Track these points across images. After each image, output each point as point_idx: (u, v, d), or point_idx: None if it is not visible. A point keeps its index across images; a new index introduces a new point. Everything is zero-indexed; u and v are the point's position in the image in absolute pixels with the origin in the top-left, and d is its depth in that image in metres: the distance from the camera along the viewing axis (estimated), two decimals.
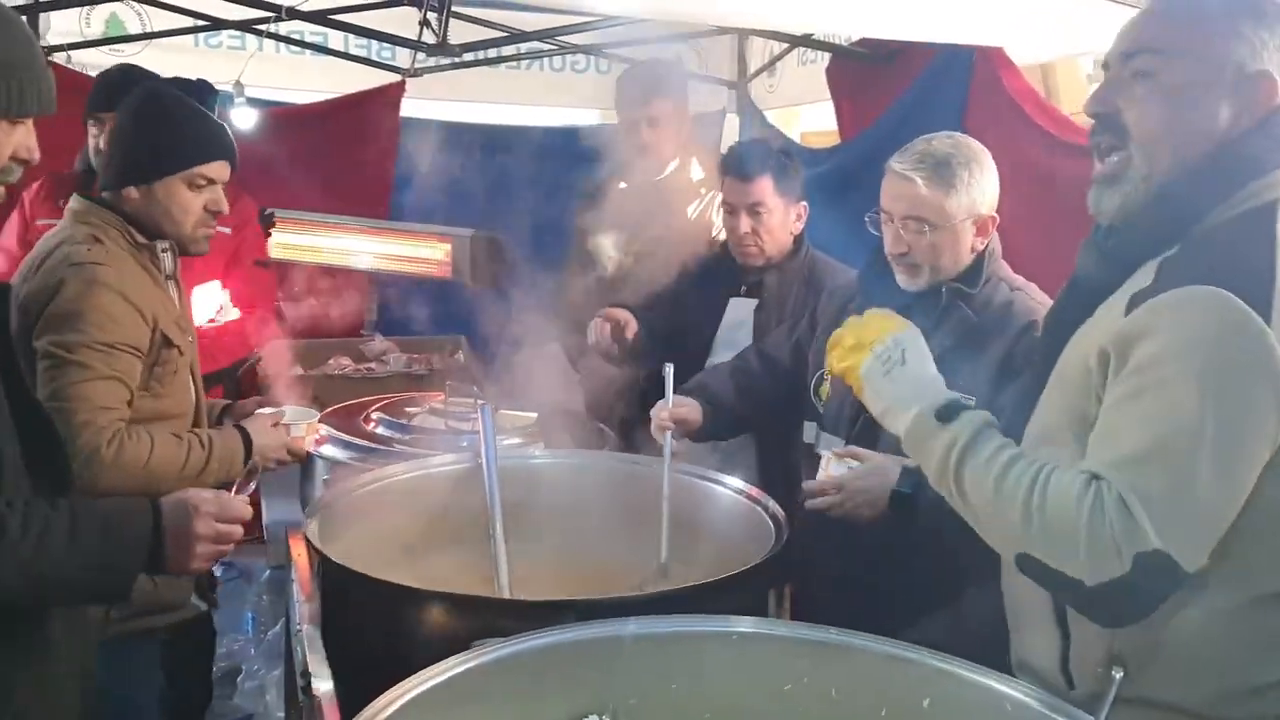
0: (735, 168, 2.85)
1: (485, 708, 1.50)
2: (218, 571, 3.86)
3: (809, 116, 5.60)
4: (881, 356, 1.64)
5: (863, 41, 4.39)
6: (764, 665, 1.63)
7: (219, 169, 2.38)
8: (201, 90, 3.57)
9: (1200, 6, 1.53)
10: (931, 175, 2.14)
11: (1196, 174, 1.51)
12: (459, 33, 4.30)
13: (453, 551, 2.21)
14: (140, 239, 2.33)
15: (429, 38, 4.04)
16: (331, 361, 3.92)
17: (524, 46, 5.02)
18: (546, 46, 5.02)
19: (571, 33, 4.48)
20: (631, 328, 2.87)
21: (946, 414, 1.54)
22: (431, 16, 3.89)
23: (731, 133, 5.28)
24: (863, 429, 2.25)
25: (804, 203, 2.94)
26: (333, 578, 1.88)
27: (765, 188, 2.81)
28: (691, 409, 2.49)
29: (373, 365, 3.94)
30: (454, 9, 3.98)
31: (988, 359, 2.09)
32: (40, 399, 1.88)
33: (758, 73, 5.27)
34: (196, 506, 1.70)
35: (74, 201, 2.35)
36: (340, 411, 2.97)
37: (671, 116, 3.26)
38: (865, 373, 1.66)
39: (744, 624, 1.65)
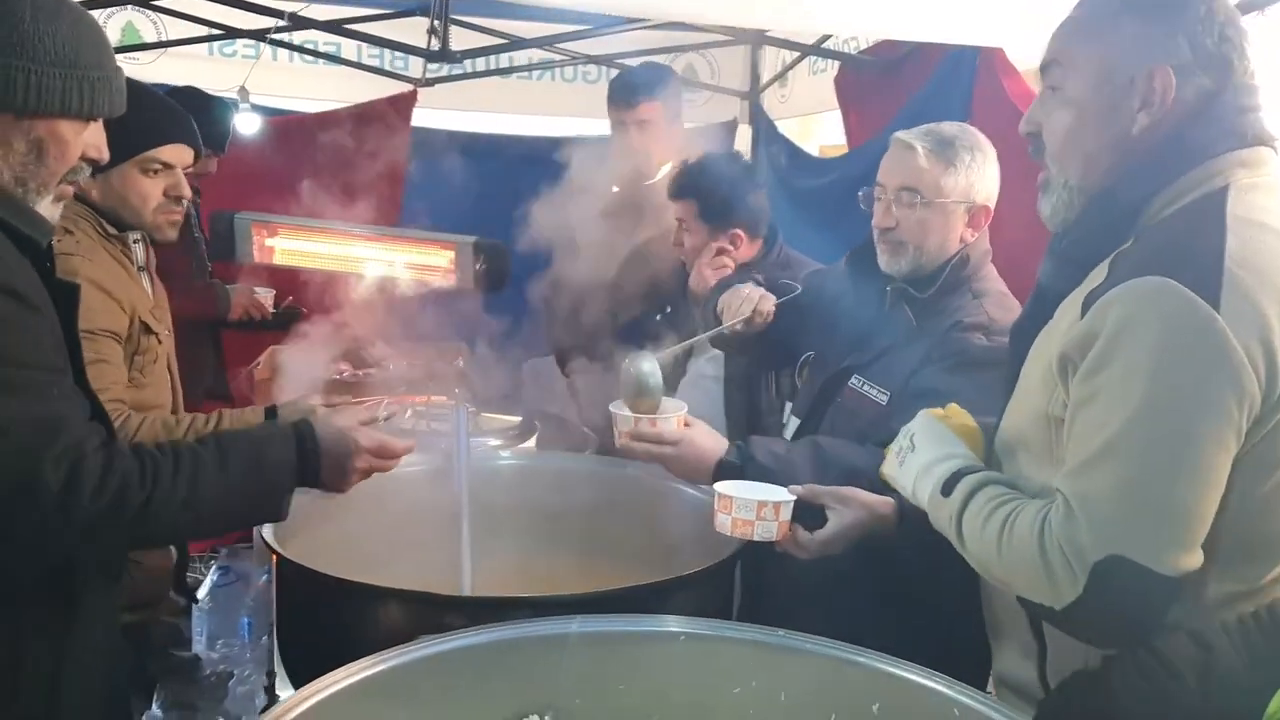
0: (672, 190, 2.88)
1: (421, 704, 1.48)
2: (213, 576, 3.91)
3: (826, 128, 5.58)
4: (895, 451, 1.70)
5: (870, 50, 4.37)
6: (712, 667, 1.61)
7: (175, 152, 2.32)
8: (191, 95, 3.61)
9: (1086, 13, 1.54)
10: (934, 149, 2.10)
11: (1115, 172, 1.50)
12: (463, 41, 4.31)
13: (420, 552, 2.19)
14: (111, 230, 2.30)
15: (435, 46, 4.06)
16: (331, 367, 3.91)
17: (534, 55, 5.03)
18: (558, 57, 5.04)
19: (569, 39, 4.48)
20: None
21: (947, 488, 1.57)
22: (436, 24, 3.91)
23: (744, 143, 5.26)
24: (814, 410, 2.25)
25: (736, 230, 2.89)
26: (286, 575, 1.86)
27: (689, 211, 2.83)
28: (769, 297, 2.41)
29: (371, 370, 3.92)
30: (454, 17, 4.00)
31: (916, 359, 2.06)
32: None
33: (769, 83, 5.25)
34: (358, 444, 1.76)
35: None
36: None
37: (661, 119, 3.24)
38: (886, 471, 1.73)
39: (692, 625, 1.63)
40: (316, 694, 1.32)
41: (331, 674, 1.37)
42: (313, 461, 1.70)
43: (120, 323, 2.21)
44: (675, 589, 1.79)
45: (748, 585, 2.15)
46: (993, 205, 2.18)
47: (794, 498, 1.82)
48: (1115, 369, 1.36)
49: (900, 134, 2.18)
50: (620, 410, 2.08)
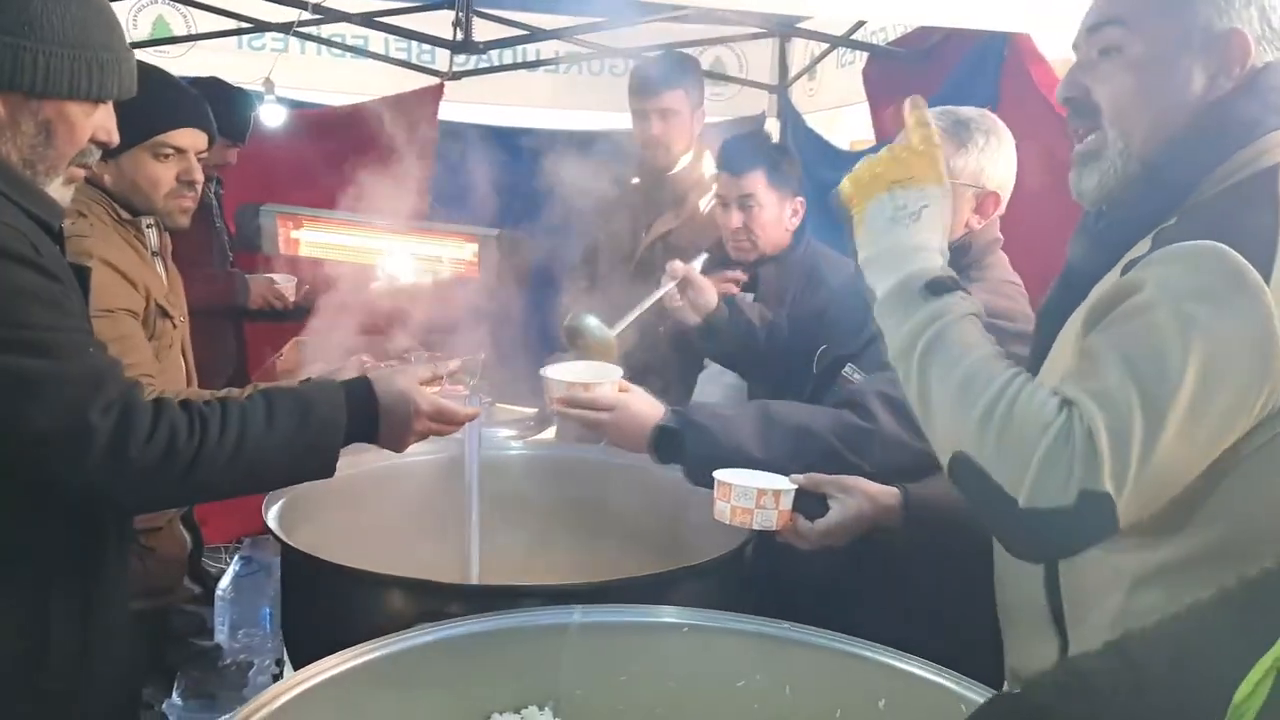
0: (726, 161, 2.79)
1: (418, 692, 1.46)
2: (235, 565, 3.92)
3: (856, 123, 5.52)
4: (897, 200, 1.46)
5: (899, 41, 4.32)
6: (716, 659, 1.58)
7: (187, 136, 2.30)
8: (212, 85, 3.62)
9: None
10: (948, 128, 2.03)
11: (1179, 143, 1.42)
12: (486, 33, 4.31)
13: (430, 542, 2.18)
14: (124, 215, 2.29)
15: (459, 38, 4.05)
16: (353, 358, 3.91)
17: (560, 49, 5.01)
18: (584, 50, 5.01)
19: (588, 31, 4.45)
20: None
21: (937, 288, 1.41)
22: (460, 16, 3.90)
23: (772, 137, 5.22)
24: (817, 389, 2.20)
25: (800, 198, 2.87)
26: (290, 563, 1.85)
27: (757, 181, 2.75)
28: (706, 283, 2.50)
29: (394, 362, 3.92)
30: (478, 9, 3.99)
31: None
32: None
33: (798, 76, 5.20)
34: (419, 407, 1.74)
35: None
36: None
37: (683, 109, 3.20)
38: (869, 211, 1.48)
39: (696, 616, 1.60)
40: (305, 681, 1.30)
41: (323, 661, 1.35)
42: (370, 419, 1.70)
43: (137, 303, 2.21)
44: (680, 580, 1.76)
45: (754, 577, 2.11)
46: (1005, 194, 2.12)
47: (795, 486, 1.78)
48: (1158, 314, 1.27)
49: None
50: (553, 375, 1.97)
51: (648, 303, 2.44)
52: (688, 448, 1.90)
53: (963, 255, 2.06)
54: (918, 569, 1.84)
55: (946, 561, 1.76)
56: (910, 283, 1.42)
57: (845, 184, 1.53)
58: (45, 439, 1.43)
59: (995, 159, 2.07)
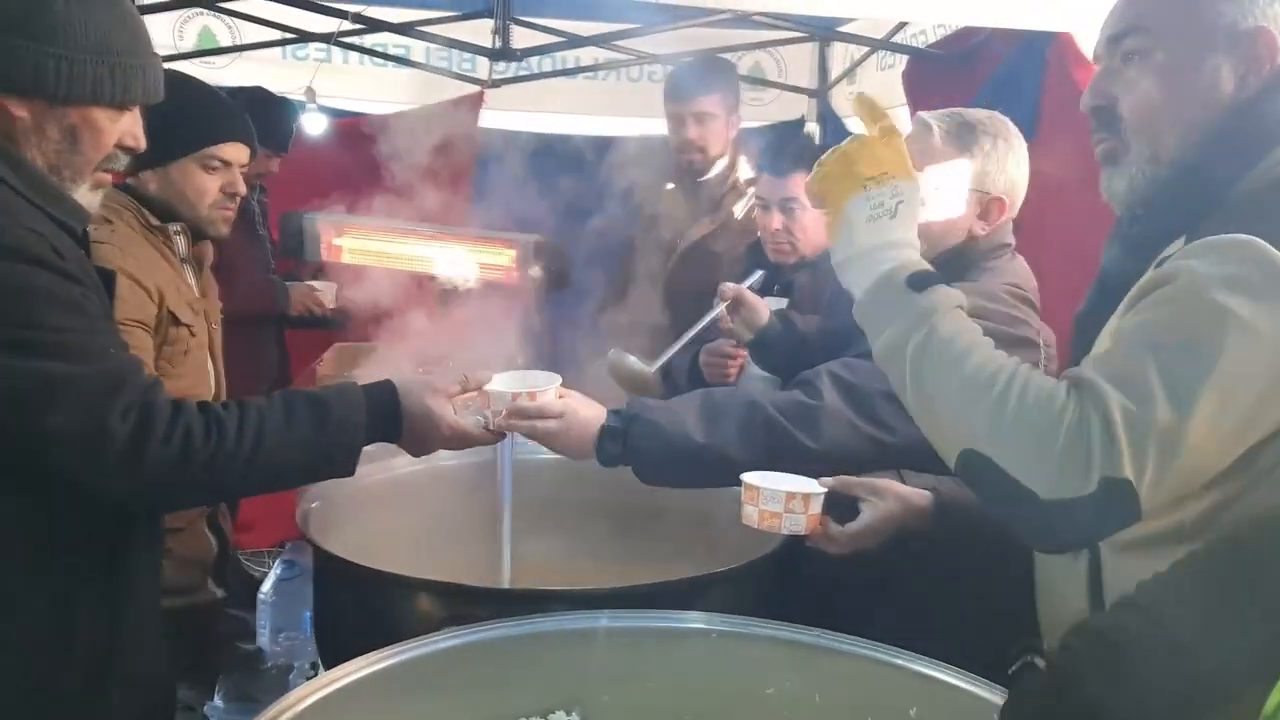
0: (768, 163, 2.76)
1: (445, 696, 1.46)
2: (277, 569, 3.96)
3: (900, 126, 5.47)
4: (874, 199, 1.44)
5: (939, 44, 4.27)
6: (745, 666, 1.56)
7: (234, 150, 2.39)
8: (255, 95, 3.67)
9: None
10: (952, 130, 2.01)
11: (1212, 144, 1.40)
12: (525, 41, 4.32)
13: (463, 546, 2.18)
14: (153, 221, 2.35)
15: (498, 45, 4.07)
16: (391, 365, 3.94)
17: (599, 56, 5.02)
18: (623, 56, 5.01)
19: (630, 37, 4.45)
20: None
21: (919, 282, 1.38)
22: (498, 24, 3.92)
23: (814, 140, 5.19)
24: None
25: None
26: (323, 566, 1.87)
27: (799, 183, 2.72)
28: (757, 300, 2.47)
29: (433, 367, 3.95)
30: (517, 17, 4.01)
31: None
32: None
33: (838, 80, 5.17)
34: (440, 432, 1.77)
35: None
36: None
37: (719, 113, 3.19)
38: (849, 210, 1.44)
39: (724, 622, 1.59)
40: (330, 684, 1.31)
41: (350, 663, 1.36)
42: (393, 420, 1.73)
43: (147, 311, 2.25)
44: (709, 585, 1.75)
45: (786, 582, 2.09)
46: (1013, 200, 2.07)
47: (824, 489, 1.75)
48: (1191, 302, 1.25)
49: (923, 113, 2.10)
50: (497, 388, 1.92)
51: (694, 330, 2.43)
52: (633, 444, 1.85)
53: (960, 260, 2.03)
54: (950, 573, 1.80)
55: (980, 564, 1.73)
56: (891, 280, 1.40)
57: (815, 180, 1.50)
58: (63, 441, 1.46)
59: (1002, 165, 2.03)
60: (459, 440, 1.81)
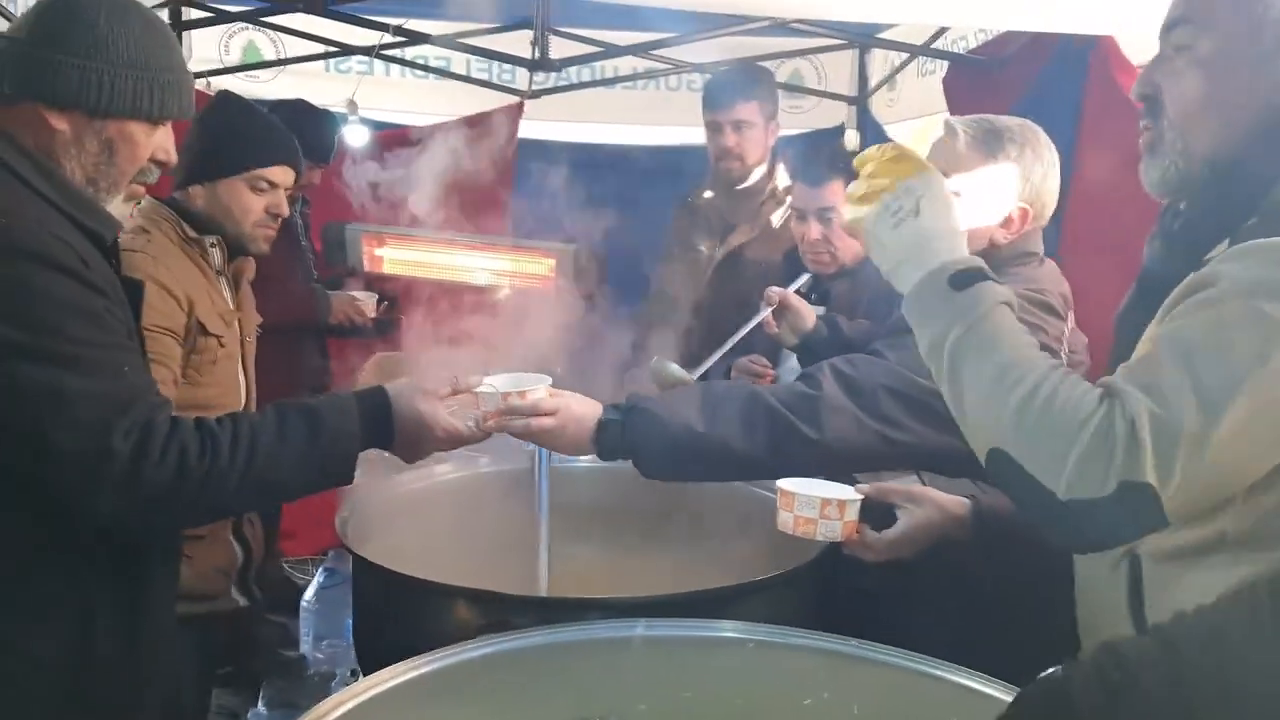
0: (802, 172, 2.75)
1: (479, 703, 1.46)
2: (319, 577, 3.99)
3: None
4: (891, 207, 1.44)
5: (979, 49, 4.24)
6: (782, 676, 1.55)
7: (281, 173, 2.48)
8: (298, 108, 3.72)
9: None
10: (978, 138, 1.97)
11: (1257, 140, 1.37)
12: (564, 51, 4.34)
13: (500, 554, 2.18)
14: (190, 233, 2.41)
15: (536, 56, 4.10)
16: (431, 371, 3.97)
17: (638, 65, 5.03)
18: (661, 66, 5.02)
19: (667, 46, 4.45)
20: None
21: (962, 280, 1.37)
22: (536, 35, 3.94)
23: (852, 149, 5.16)
24: None
25: None
26: (361, 574, 1.88)
27: (835, 192, 2.71)
28: (803, 304, 2.45)
29: (472, 376, 3.98)
30: (555, 27, 4.02)
31: None
32: None
33: (878, 86, 5.14)
34: (433, 434, 1.78)
35: (144, 201, 2.40)
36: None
37: (757, 120, 3.18)
38: (872, 227, 1.46)
39: (761, 631, 1.57)
40: (365, 691, 1.31)
41: (385, 670, 1.36)
42: (385, 426, 1.73)
43: (176, 319, 2.28)
44: (747, 594, 1.74)
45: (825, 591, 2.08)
46: (1041, 209, 2.02)
47: (860, 496, 1.74)
48: (1228, 307, 1.23)
49: (950, 118, 2.07)
50: (487, 389, 1.90)
51: (737, 336, 2.43)
52: (632, 435, 1.83)
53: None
54: (989, 581, 1.78)
55: (1020, 573, 1.71)
56: (936, 277, 1.40)
57: (847, 216, 1.53)
58: (64, 456, 1.46)
59: (1027, 173, 1.99)
60: (452, 442, 1.83)
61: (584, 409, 1.89)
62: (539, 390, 1.89)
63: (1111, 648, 1.01)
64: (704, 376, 2.63)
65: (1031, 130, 2.03)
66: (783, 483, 1.76)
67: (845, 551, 1.76)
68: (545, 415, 1.86)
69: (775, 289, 2.49)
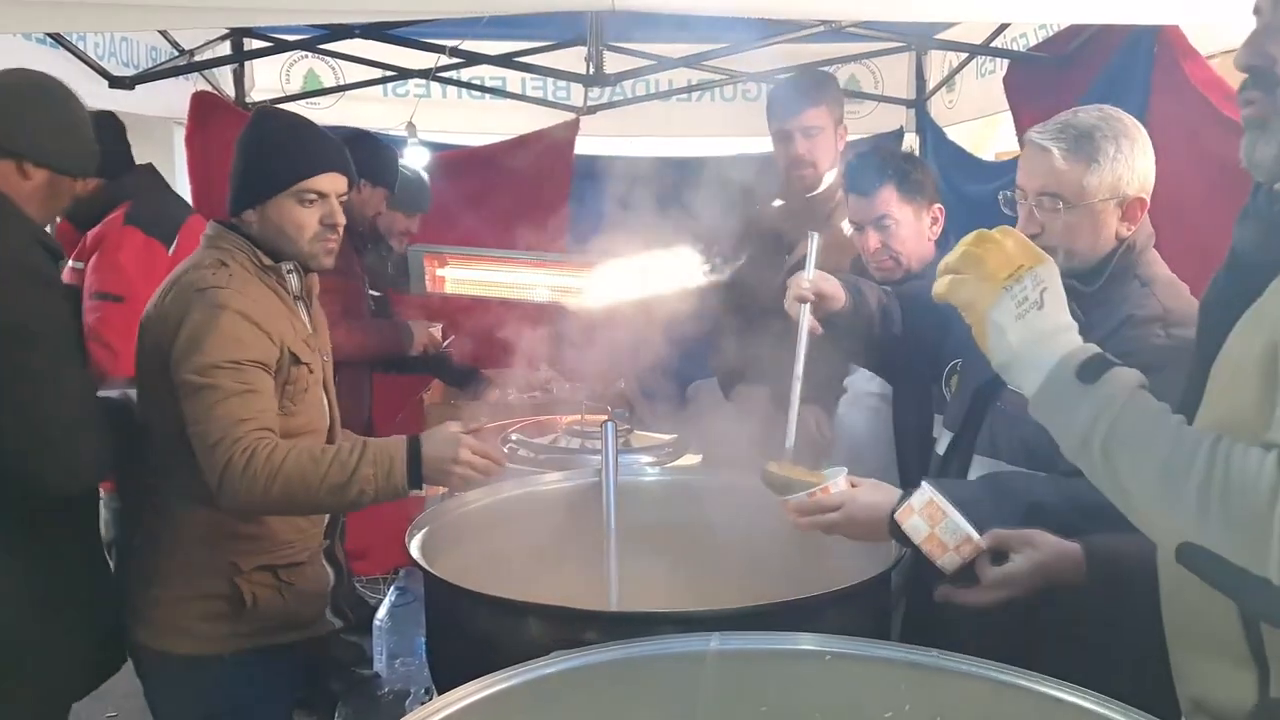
0: (853, 183, 2.70)
1: None
2: (391, 596, 4.01)
3: (1005, 135, 5.35)
4: (1017, 297, 1.39)
5: (1040, 46, 4.17)
6: (861, 689, 1.51)
7: (329, 181, 2.33)
8: (357, 137, 3.75)
9: None
10: (1071, 147, 1.92)
11: None
12: (617, 65, 4.35)
13: (570, 568, 2.17)
14: (266, 261, 2.34)
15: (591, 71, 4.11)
16: (496, 391, 4.00)
17: (692, 77, 5.02)
18: (716, 77, 5.02)
19: (720, 56, 4.44)
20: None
21: (1090, 373, 1.32)
22: (591, 51, 3.96)
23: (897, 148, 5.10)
24: (968, 421, 2.07)
25: (938, 204, 2.77)
26: (432, 591, 1.88)
27: (888, 199, 2.66)
28: (835, 285, 2.27)
29: (537, 393, 3.99)
30: (609, 43, 4.03)
31: None
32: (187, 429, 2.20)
33: (936, 88, 5.08)
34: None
35: (209, 227, 2.40)
36: (480, 431, 3.00)
37: (826, 125, 3.13)
38: (995, 315, 1.40)
39: (838, 643, 1.53)
40: (439, 711, 1.30)
41: (457, 689, 1.35)
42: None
43: (269, 354, 2.25)
44: (823, 606, 1.70)
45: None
46: (1148, 194, 1.98)
47: (985, 545, 1.70)
48: None
49: (1034, 133, 2.00)
50: (778, 495, 1.96)
51: (800, 362, 2.20)
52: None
53: (1129, 254, 1.96)
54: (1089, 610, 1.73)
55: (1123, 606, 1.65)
56: (1062, 373, 1.35)
57: (946, 289, 1.47)
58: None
59: (1131, 164, 1.94)
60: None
61: (875, 497, 1.87)
62: (835, 482, 1.91)
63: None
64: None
65: (1115, 119, 1.98)
66: (933, 491, 1.72)
67: (937, 598, 1.73)
68: (831, 510, 1.89)
69: (804, 285, 2.23)
